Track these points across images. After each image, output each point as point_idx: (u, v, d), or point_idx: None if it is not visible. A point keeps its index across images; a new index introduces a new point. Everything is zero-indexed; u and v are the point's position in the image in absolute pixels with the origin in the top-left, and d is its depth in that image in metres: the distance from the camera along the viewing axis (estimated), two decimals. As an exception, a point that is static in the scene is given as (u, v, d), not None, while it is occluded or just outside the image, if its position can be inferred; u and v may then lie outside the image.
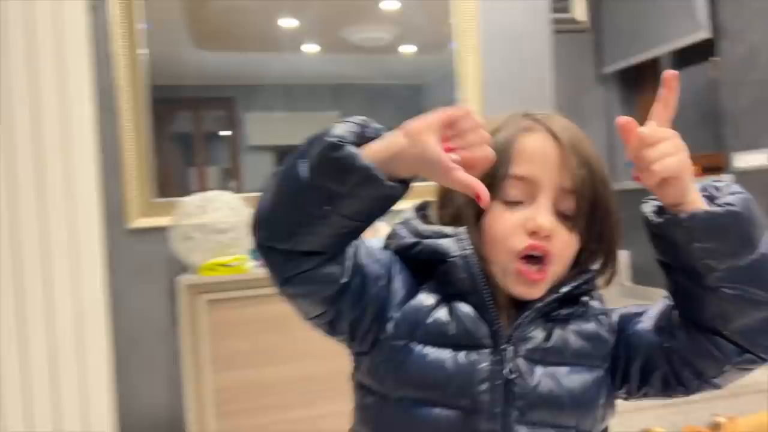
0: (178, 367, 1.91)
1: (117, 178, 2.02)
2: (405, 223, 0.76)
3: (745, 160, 2.69)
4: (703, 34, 2.84)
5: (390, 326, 0.70)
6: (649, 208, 0.71)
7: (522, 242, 0.69)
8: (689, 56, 3.23)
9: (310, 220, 0.62)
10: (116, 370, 1.95)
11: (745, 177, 2.70)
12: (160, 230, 2.00)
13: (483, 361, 0.68)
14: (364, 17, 2.37)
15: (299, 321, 1.94)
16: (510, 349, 0.69)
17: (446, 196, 0.75)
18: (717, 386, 0.73)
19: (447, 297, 0.71)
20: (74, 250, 1.83)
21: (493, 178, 0.69)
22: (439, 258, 0.70)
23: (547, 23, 2.47)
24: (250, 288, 1.78)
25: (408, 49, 2.45)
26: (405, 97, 2.46)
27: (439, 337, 0.69)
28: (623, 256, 3.49)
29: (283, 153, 2.31)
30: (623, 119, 0.64)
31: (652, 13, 3.14)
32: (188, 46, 2.17)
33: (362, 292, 0.69)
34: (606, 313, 0.77)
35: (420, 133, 0.59)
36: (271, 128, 2.30)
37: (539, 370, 0.70)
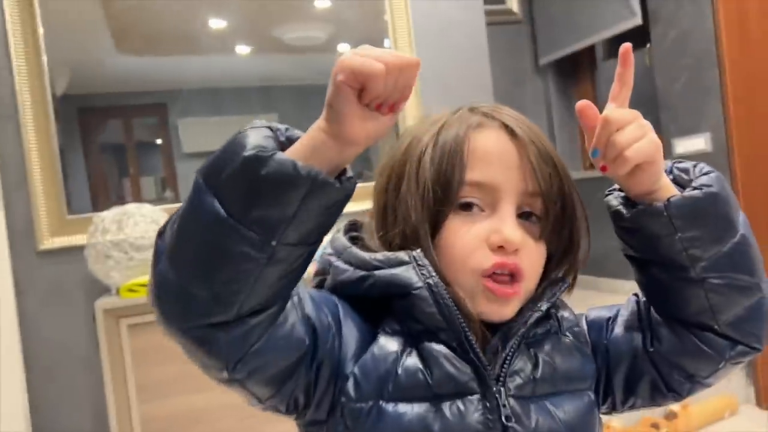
0: (102, 397, 1.75)
1: (23, 196, 1.83)
2: (340, 252, 0.62)
3: (684, 145, 2.69)
4: (635, 21, 2.83)
5: (349, 386, 0.56)
6: (616, 200, 0.63)
7: (487, 260, 0.58)
8: (623, 43, 3.24)
9: (249, 268, 0.47)
10: (32, 403, 1.77)
11: (684, 162, 2.70)
12: (77, 249, 1.83)
13: (473, 410, 0.56)
14: (297, 16, 2.27)
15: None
16: (502, 390, 0.58)
17: (389, 212, 0.62)
18: (710, 385, 0.66)
19: (412, 337, 0.58)
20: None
21: (445, 185, 0.58)
22: (397, 292, 0.57)
23: (481, 16, 2.41)
24: (176, 308, 1.63)
25: (344, 47, 2.34)
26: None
27: (414, 389, 0.56)
28: (569, 248, 3.48)
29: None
30: (583, 103, 0.57)
31: (586, 2, 3.13)
32: (111, 51, 2.02)
33: (315, 349, 0.55)
34: (578, 323, 0.67)
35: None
36: (206, 134, 2.18)
37: (533, 408, 0.59)
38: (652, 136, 0.56)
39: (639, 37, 2.94)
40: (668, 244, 0.58)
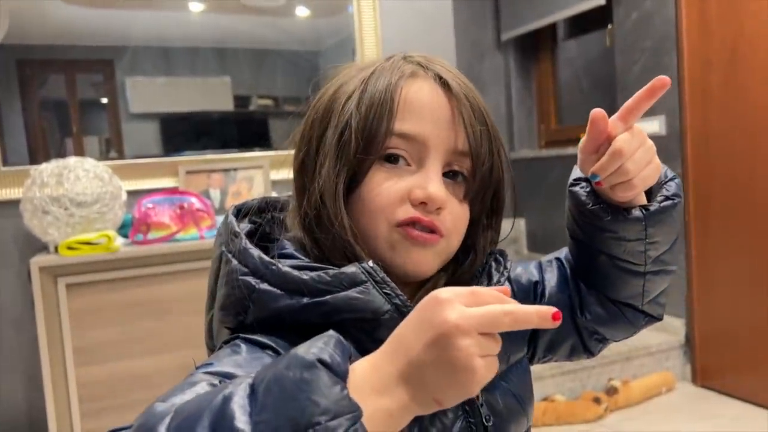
0: (36, 360, 1.66)
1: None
2: (260, 271, 0.51)
3: (640, 127, 2.71)
4: (599, 0, 2.83)
5: None
6: (584, 194, 0.61)
7: (406, 213, 0.54)
8: (585, 24, 3.24)
9: None
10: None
11: (637, 145, 2.74)
12: (11, 204, 1.72)
13: (454, 419, 0.55)
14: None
15: (178, 305, 1.73)
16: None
17: (308, 171, 0.57)
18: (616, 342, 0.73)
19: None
20: None
21: (371, 134, 0.54)
22: (357, 318, 0.50)
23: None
24: (118, 269, 1.56)
25: (303, 12, 2.26)
26: (300, 63, 2.29)
27: None
28: (520, 225, 3.51)
29: (166, 120, 2.09)
30: (598, 113, 0.57)
31: (550, -22, 3.11)
32: (58, 1, 1.89)
33: None
34: (509, 279, 0.66)
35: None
36: (155, 94, 2.08)
37: (497, 393, 0.60)
38: (656, 159, 0.58)
39: (601, 16, 2.95)
40: (632, 246, 0.61)
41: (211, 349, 0.58)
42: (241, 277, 0.51)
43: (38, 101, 1.96)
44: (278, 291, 0.50)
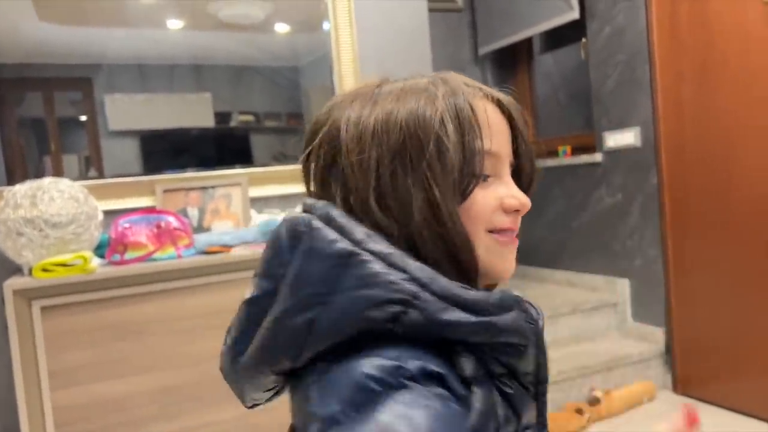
0: (11, 384, 1.63)
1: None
2: (424, 281, 0.52)
3: (615, 139, 2.75)
4: (572, 14, 2.88)
5: None
6: None
7: (502, 221, 0.60)
8: (560, 38, 3.28)
9: None
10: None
11: (614, 155, 2.77)
12: (-15, 226, 1.69)
13: None
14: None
15: (155, 326, 1.70)
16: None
17: (386, 194, 0.56)
18: None
19: (491, 377, 0.54)
20: None
21: (476, 152, 0.57)
22: (508, 342, 0.53)
23: (423, 2, 2.38)
24: (95, 290, 1.54)
25: (282, 28, 2.27)
26: (280, 79, 2.29)
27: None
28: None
29: (146, 138, 2.08)
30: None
31: (525, -6, 3.15)
32: (31, 19, 1.89)
33: None
34: None
35: None
36: (133, 111, 2.06)
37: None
38: None
39: (576, 30, 2.99)
40: None
41: (291, 357, 0.53)
42: (402, 282, 0.51)
43: (15, 120, 1.93)
44: (444, 304, 0.51)
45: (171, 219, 1.72)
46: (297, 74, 2.34)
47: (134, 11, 2.05)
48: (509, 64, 3.57)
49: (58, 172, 1.96)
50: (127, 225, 1.67)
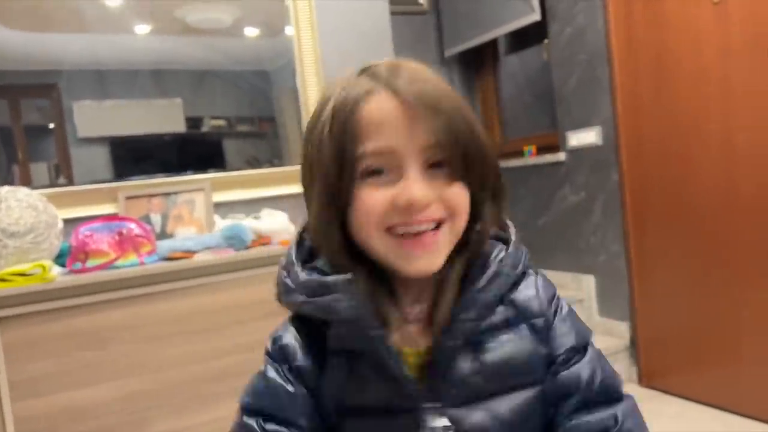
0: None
1: None
2: (288, 268, 0.65)
3: (578, 138, 2.80)
4: (534, 16, 2.92)
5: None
6: None
7: (393, 220, 0.60)
8: (524, 39, 3.33)
9: None
10: None
11: (577, 154, 2.82)
12: (-57, 237, 1.67)
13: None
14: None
15: (119, 333, 1.70)
16: (428, 408, 0.61)
17: (307, 194, 0.66)
18: None
19: (351, 358, 0.63)
20: None
21: (347, 158, 0.59)
22: (330, 319, 0.62)
23: (385, 5, 2.40)
24: (55, 299, 1.53)
25: (251, 32, 2.27)
26: (250, 83, 2.30)
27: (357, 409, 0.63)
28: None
29: (117, 144, 2.06)
30: None
31: (488, -4, 3.19)
32: None
33: None
34: (544, 314, 0.67)
35: None
36: (104, 118, 2.05)
37: (472, 411, 0.62)
38: None
39: (538, 32, 3.04)
40: None
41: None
42: (280, 269, 0.67)
43: None
44: (291, 285, 0.64)
45: (133, 226, 1.71)
46: (267, 78, 2.34)
47: (100, 16, 2.03)
48: (475, 65, 3.61)
49: (26, 181, 1.94)
50: (88, 233, 1.66)
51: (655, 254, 2.49)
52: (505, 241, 0.68)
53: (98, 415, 1.57)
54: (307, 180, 0.64)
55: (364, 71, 0.63)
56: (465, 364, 0.62)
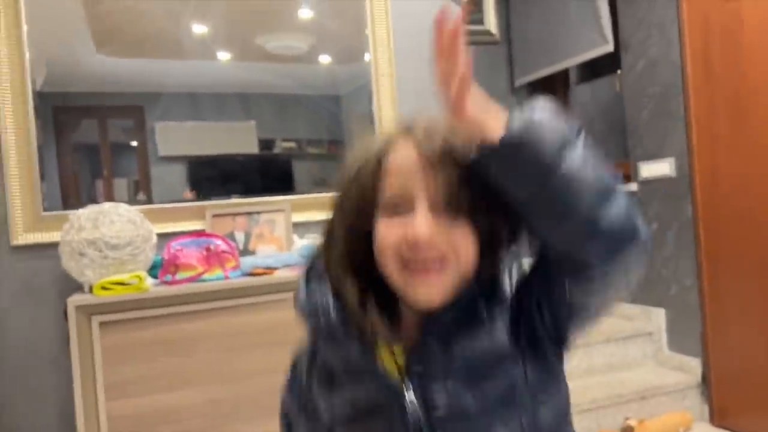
0: (70, 395, 1.75)
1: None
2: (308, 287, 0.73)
3: (650, 169, 2.78)
4: (607, 48, 2.94)
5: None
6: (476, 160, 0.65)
7: (406, 253, 0.66)
8: (596, 69, 3.34)
9: None
10: (-2, 401, 1.77)
11: (649, 185, 2.80)
12: (52, 246, 1.83)
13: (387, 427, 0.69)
14: (280, 25, 2.31)
15: (204, 342, 1.81)
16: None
17: (330, 232, 0.73)
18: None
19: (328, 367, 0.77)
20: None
21: (369, 209, 0.68)
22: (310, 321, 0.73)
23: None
24: (148, 308, 1.65)
25: (325, 59, 2.39)
26: (321, 107, 2.41)
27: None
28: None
29: (193, 163, 2.20)
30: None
31: (560, 27, 3.23)
32: (89, 50, 2.03)
33: None
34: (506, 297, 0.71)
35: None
36: (183, 138, 2.19)
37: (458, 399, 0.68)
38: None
39: (611, 62, 3.05)
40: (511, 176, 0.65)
41: None
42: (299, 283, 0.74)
43: (71, 146, 2.04)
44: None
45: (219, 242, 1.83)
46: (338, 103, 2.45)
47: (187, 44, 2.17)
48: (545, 94, 3.63)
49: (109, 195, 2.06)
50: (178, 247, 1.78)
51: (729, 288, 2.43)
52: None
53: (180, 418, 1.67)
54: (337, 233, 0.72)
55: (401, 126, 0.72)
56: (438, 351, 0.68)
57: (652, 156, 2.77)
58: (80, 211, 1.73)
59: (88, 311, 1.61)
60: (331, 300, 0.69)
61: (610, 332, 2.79)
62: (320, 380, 0.75)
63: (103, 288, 1.65)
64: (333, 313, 0.68)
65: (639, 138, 2.84)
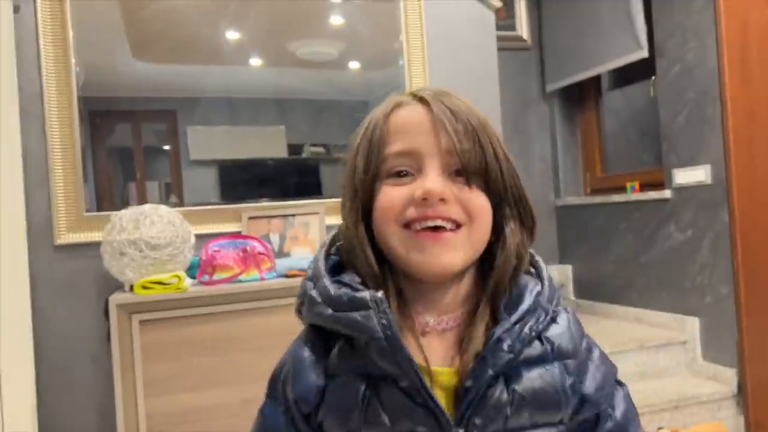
0: (109, 391, 1.79)
1: (44, 191, 1.89)
2: (316, 279, 0.64)
3: (685, 176, 2.75)
4: (642, 53, 2.91)
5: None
6: None
7: (411, 213, 0.62)
8: (629, 74, 3.31)
9: None
10: (39, 397, 1.81)
11: (684, 192, 2.77)
12: (93, 246, 1.89)
13: None
14: (312, 32, 2.34)
15: (240, 342, 1.84)
16: None
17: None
18: None
19: (373, 379, 0.61)
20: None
21: (374, 159, 0.64)
22: (359, 336, 0.60)
23: (493, 40, 2.49)
24: (186, 307, 1.69)
25: (355, 64, 2.42)
26: (350, 112, 2.43)
27: None
28: (567, 271, 3.53)
29: (224, 167, 2.24)
30: None
31: (593, 32, 3.21)
32: (125, 56, 2.08)
33: None
34: (575, 355, 0.65)
35: None
36: (213, 142, 2.23)
37: None
38: None
39: (645, 67, 3.02)
40: None
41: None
42: (305, 280, 0.66)
43: (105, 149, 2.08)
44: (318, 299, 0.62)
45: (256, 244, 1.86)
46: (366, 108, 2.46)
47: (220, 51, 2.21)
48: (577, 100, 3.61)
49: (142, 198, 2.10)
50: (216, 248, 1.82)
51: (767, 298, 2.39)
52: (538, 276, 0.68)
53: (217, 417, 1.70)
54: (342, 191, 0.68)
55: (402, 93, 0.69)
56: (496, 395, 0.59)
57: (688, 162, 2.73)
58: (122, 212, 1.78)
59: (128, 310, 1.65)
60: (379, 295, 0.60)
61: (642, 340, 2.75)
62: (339, 388, 0.62)
63: (144, 287, 1.69)
64: (382, 320, 0.59)
65: (673, 144, 2.81)
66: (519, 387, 0.60)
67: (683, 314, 2.81)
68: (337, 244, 0.68)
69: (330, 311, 0.61)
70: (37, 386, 1.81)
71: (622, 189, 3.17)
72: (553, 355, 0.63)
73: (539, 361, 0.62)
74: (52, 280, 1.91)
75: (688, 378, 2.74)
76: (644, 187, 3.05)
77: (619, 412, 0.69)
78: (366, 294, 0.60)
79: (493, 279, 0.64)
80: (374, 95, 2.46)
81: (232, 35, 2.23)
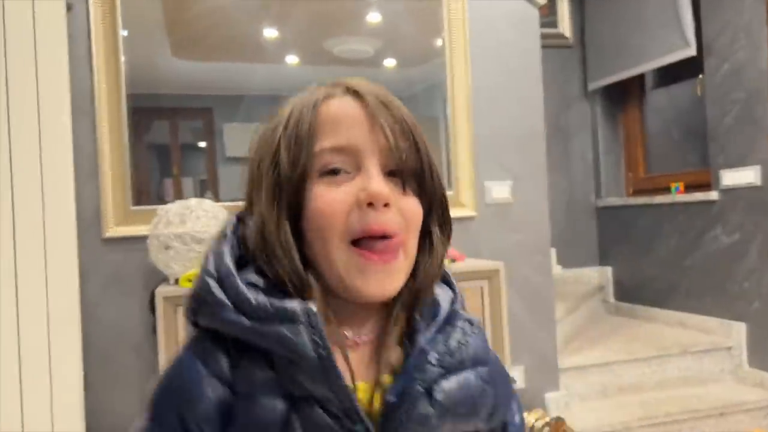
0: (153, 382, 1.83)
1: (93, 185, 1.94)
2: (223, 278, 0.54)
3: (733, 177, 2.68)
4: (689, 51, 2.85)
5: None
6: None
7: (357, 222, 0.55)
8: (674, 73, 3.24)
9: None
10: (87, 386, 1.86)
11: (731, 193, 2.70)
12: (139, 239, 1.93)
13: None
14: (348, 30, 2.34)
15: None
16: None
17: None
18: None
19: (294, 400, 0.53)
20: (47, 259, 1.75)
21: (303, 154, 0.56)
22: (284, 354, 0.52)
23: (536, 39, 2.46)
24: (230, 301, 1.71)
25: (391, 62, 2.42)
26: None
27: None
28: (607, 273, 3.47)
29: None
30: None
31: (637, 30, 3.15)
32: (165, 54, 2.12)
33: None
34: (486, 361, 0.61)
35: None
36: (248, 139, 2.24)
37: None
38: None
39: (690, 66, 2.95)
40: None
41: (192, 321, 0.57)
42: (206, 277, 0.54)
43: (144, 146, 2.10)
44: (227, 302, 0.53)
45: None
46: (405, 103, 2.45)
47: (257, 49, 2.22)
48: (619, 99, 3.55)
49: (178, 194, 2.11)
50: (259, 244, 1.84)
51: (819, 305, 2.32)
52: (443, 281, 0.64)
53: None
54: (253, 185, 0.60)
55: (320, 85, 0.63)
56: (420, 409, 0.55)
57: (736, 163, 2.66)
58: (168, 205, 1.81)
59: (174, 302, 1.68)
60: (312, 307, 0.53)
61: (687, 345, 2.70)
62: (255, 407, 0.53)
63: (188, 280, 1.72)
64: (313, 337, 0.52)
65: (721, 145, 2.74)
66: (441, 397, 0.56)
67: (729, 319, 2.74)
68: (239, 234, 0.59)
69: (247, 322, 0.52)
70: (85, 375, 1.86)
71: (666, 190, 3.10)
72: (469, 362, 0.59)
73: (457, 369, 0.59)
74: (99, 272, 1.95)
75: (733, 385, 2.68)
76: (689, 188, 2.99)
77: (518, 418, 0.67)
78: (296, 305, 0.52)
79: (414, 288, 0.60)
80: (412, 92, 2.46)
81: (270, 33, 2.24)
